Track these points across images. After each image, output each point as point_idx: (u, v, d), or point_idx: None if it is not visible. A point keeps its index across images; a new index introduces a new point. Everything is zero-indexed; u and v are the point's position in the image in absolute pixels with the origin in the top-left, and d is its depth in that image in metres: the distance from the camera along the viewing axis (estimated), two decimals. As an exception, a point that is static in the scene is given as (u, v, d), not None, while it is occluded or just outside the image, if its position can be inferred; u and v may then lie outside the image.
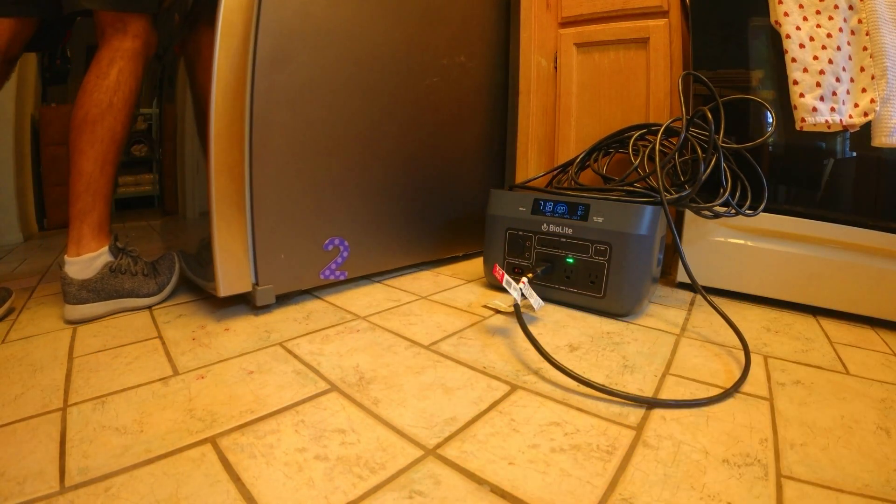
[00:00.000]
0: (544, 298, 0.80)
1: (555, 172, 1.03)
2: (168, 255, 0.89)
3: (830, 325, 0.76)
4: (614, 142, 0.94)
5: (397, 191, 0.97)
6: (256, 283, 0.75)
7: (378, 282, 0.96)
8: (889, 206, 0.74)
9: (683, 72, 0.87)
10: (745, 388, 0.53)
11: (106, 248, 0.79)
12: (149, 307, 0.82)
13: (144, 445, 0.41)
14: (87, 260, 0.76)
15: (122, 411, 0.46)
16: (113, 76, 0.77)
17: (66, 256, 0.76)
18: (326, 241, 0.84)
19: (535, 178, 1.04)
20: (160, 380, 0.53)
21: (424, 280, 0.98)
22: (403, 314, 0.76)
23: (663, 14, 0.96)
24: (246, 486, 0.36)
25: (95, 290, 0.76)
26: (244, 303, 0.80)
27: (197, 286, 0.88)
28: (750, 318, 0.78)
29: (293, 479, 0.37)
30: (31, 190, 1.80)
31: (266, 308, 0.78)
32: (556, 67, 1.10)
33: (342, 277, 0.88)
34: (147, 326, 0.70)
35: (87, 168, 0.78)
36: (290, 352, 0.61)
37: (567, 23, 1.08)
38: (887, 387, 0.54)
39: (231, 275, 0.72)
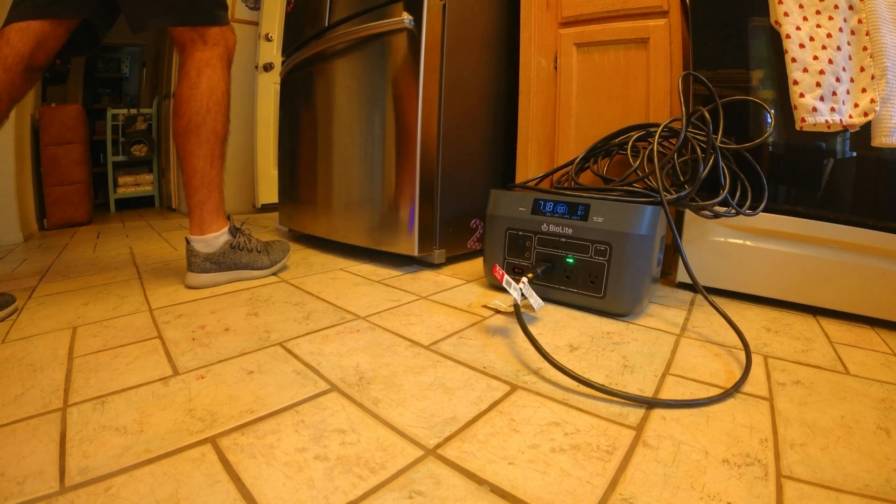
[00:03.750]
0: (544, 298, 0.80)
1: (554, 175, 1.04)
2: (283, 242, 1.07)
3: (830, 325, 0.76)
4: (612, 144, 0.94)
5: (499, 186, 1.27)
6: (436, 247, 1.08)
7: (378, 282, 0.96)
8: (889, 206, 0.74)
9: (683, 72, 0.87)
10: (745, 388, 0.53)
11: (226, 229, 0.93)
12: (260, 278, 0.98)
13: (144, 445, 0.41)
14: (210, 238, 0.90)
15: (122, 411, 0.46)
16: (204, 84, 0.86)
17: (190, 235, 0.90)
18: (472, 221, 1.19)
19: (533, 180, 1.04)
20: (160, 380, 0.53)
21: (424, 280, 0.98)
22: (403, 314, 0.76)
23: (663, 14, 0.96)
24: (246, 486, 0.36)
25: (217, 262, 0.91)
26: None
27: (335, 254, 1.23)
28: (750, 317, 0.78)
29: (293, 479, 0.37)
30: (31, 190, 1.81)
31: (436, 266, 1.11)
32: (556, 67, 1.10)
33: (478, 247, 1.21)
34: (147, 326, 0.70)
35: (199, 166, 0.88)
36: (289, 352, 0.61)
37: (567, 23, 1.08)
38: (887, 387, 0.54)
39: (422, 242, 1.05)
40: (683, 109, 0.77)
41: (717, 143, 0.74)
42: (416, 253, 1.03)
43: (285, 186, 1.47)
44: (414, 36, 0.99)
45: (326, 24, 1.22)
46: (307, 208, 1.34)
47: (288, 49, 1.40)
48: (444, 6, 1.01)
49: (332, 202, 1.23)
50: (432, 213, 1.07)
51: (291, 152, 1.43)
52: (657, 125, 0.86)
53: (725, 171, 0.77)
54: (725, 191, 0.75)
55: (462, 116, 1.12)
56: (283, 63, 1.41)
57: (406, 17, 0.97)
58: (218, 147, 0.90)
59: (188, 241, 0.90)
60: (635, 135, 0.90)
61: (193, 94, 0.85)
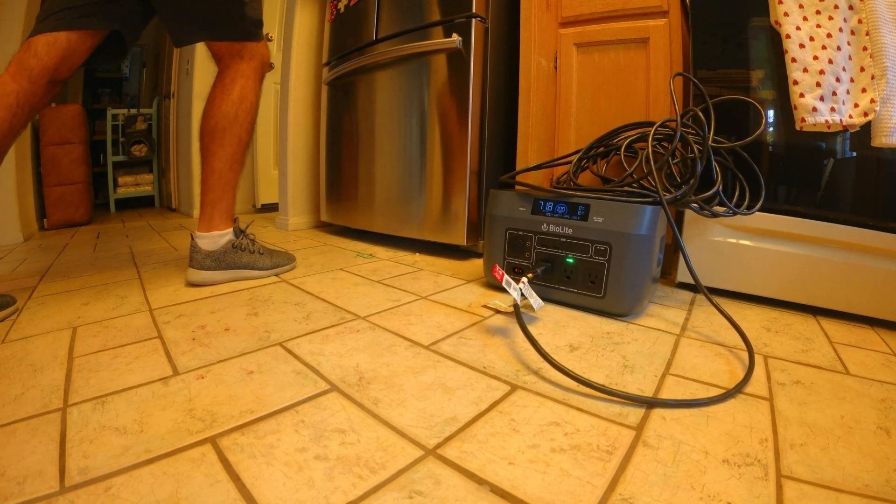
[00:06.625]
0: (544, 298, 0.80)
1: (553, 175, 1.04)
2: (288, 252, 1.11)
3: (830, 325, 0.76)
4: (610, 144, 0.94)
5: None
6: (482, 238, 1.21)
7: (378, 281, 0.96)
8: (889, 206, 0.74)
9: (676, 73, 0.87)
10: (746, 388, 0.53)
11: (231, 230, 0.95)
12: (260, 278, 0.99)
13: (144, 445, 0.41)
14: (215, 236, 0.92)
15: (122, 411, 0.46)
16: (236, 92, 0.90)
17: (196, 232, 0.92)
18: None
19: (517, 173, 1.04)
20: (160, 380, 0.53)
21: (424, 280, 0.98)
22: (403, 314, 0.76)
23: (663, 14, 0.96)
24: (246, 486, 0.36)
25: (218, 260, 0.92)
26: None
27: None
28: (749, 317, 0.78)
29: (293, 479, 0.37)
30: (31, 190, 1.80)
31: (481, 255, 1.25)
32: (556, 67, 1.10)
33: None
34: (147, 326, 0.70)
35: (218, 167, 0.92)
36: (290, 352, 0.61)
37: (567, 23, 1.08)
38: (887, 387, 0.54)
39: (469, 233, 1.19)
40: (676, 109, 0.77)
41: (709, 142, 0.74)
42: (465, 243, 1.19)
43: (329, 185, 1.62)
44: (461, 54, 1.15)
45: (374, 38, 1.35)
46: (352, 205, 1.50)
47: (332, 59, 1.56)
48: (487, 29, 1.17)
49: (385, 200, 1.38)
50: (478, 208, 1.21)
51: (336, 154, 1.56)
52: (651, 123, 0.86)
53: (717, 168, 0.77)
54: (717, 184, 0.76)
55: (495, 121, 1.24)
56: (327, 70, 1.58)
57: (457, 39, 1.14)
58: (239, 152, 0.93)
59: (193, 237, 0.92)
60: (633, 134, 0.90)
61: (225, 99, 0.89)
